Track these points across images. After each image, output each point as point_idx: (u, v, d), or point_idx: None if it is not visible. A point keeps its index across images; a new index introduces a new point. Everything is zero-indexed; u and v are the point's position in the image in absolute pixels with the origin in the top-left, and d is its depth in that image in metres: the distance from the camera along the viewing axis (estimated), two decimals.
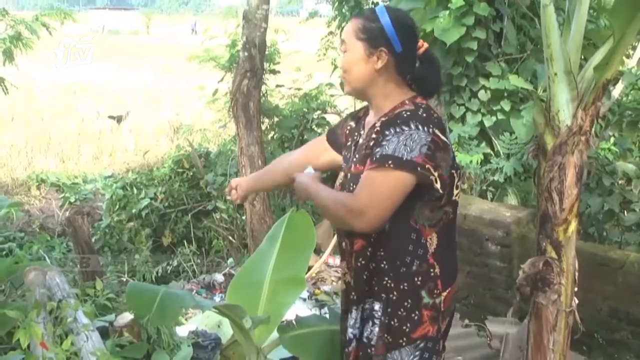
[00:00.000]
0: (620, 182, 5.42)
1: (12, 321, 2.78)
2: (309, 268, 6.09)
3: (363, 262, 2.38)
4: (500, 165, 5.96)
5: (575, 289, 2.53)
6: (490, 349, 4.64)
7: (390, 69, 2.32)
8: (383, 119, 2.31)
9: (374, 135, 2.29)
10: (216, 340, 4.43)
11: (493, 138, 6.19)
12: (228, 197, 3.10)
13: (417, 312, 2.30)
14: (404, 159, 2.13)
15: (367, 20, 2.32)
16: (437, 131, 2.20)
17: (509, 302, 3.51)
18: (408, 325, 2.30)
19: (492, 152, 6.20)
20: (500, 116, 6.12)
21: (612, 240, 5.29)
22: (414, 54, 2.34)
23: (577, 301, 2.54)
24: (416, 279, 2.29)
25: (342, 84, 7.54)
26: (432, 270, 2.30)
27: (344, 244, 2.47)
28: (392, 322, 2.32)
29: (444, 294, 2.33)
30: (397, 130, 2.18)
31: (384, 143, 2.19)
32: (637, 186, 5.33)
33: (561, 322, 2.51)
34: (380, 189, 2.16)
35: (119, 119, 15.28)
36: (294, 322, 3.42)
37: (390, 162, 2.14)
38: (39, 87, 19.33)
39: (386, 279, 2.32)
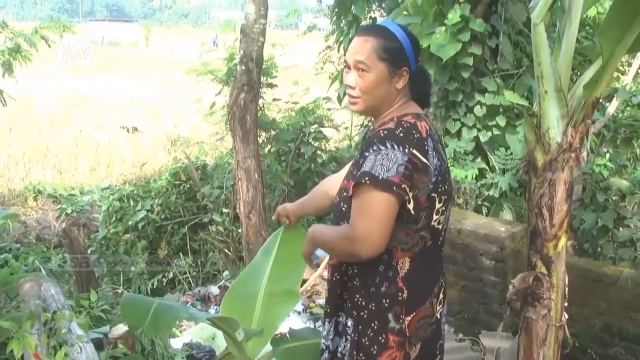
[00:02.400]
0: (614, 198, 5.44)
1: (5, 332, 2.80)
2: (304, 281, 6.10)
3: (337, 276, 2.41)
4: (496, 181, 5.99)
5: (566, 304, 2.55)
6: None
7: (406, 87, 2.34)
8: (370, 133, 2.34)
9: (359, 152, 2.32)
10: (210, 353, 4.44)
11: (488, 153, 6.23)
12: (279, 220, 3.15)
13: (383, 335, 2.30)
14: (380, 177, 2.13)
15: (387, 39, 2.29)
16: (415, 151, 2.19)
17: (503, 317, 3.53)
18: (375, 347, 2.30)
19: (487, 167, 6.23)
20: (495, 131, 6.16)
21: (606, 255, 5.31)
22: (420, 70, 2.38)
23: (567, 316, 2.55)
24: (384, 301, 2.29)
25: (339, 97, 7.66)
26: (400, 294, 2.29)
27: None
28: (363, 340, 2.32)
29: (408, 318, 2.30)
30: (374, 149, 2.19)
31: (363, 164, 2.20)
32: (631, 202, 5.36)
33: (551, 336, 2.52)
34: (371, 213, 2.16)
35: (132, 130, 15.35)
36: (287, 335, 3.43)
37: (366, 178, 2.15)
38: (38, 98, 19.38)
39: (357, 296, 2.34)
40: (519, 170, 2.58)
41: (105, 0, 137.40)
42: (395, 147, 2.17)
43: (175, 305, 3.08)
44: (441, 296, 2.45)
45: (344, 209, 2.35)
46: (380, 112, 2.37)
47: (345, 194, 2.33)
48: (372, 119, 2.46)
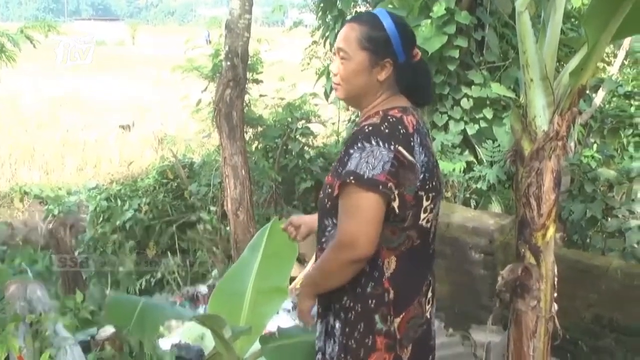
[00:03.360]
0: (602, 188, 5.45)
1: None
2: (293, 278, 6.08)
3: None
4: (484, 173, 5.98)
5: (555, 294, 2.52)
6: (475, 358, 4.63)
7: (390, 79, 2.26)
8: (356, 128, 2.26)
9: (343, 147, 2.24)
10: (199, 353, 4.39)
11: (476, 146, 6.22)
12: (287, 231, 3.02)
13: (370, 337, 2.24)
14: (365, 176, 2.08)
15: (372, 28, 2.23)
16: (400, 148, 2.12)
17: (492, 309, 3.51)
18: (363, 350, 2.24)
19: (475, 160, 6.23)
20: (483, 124, 6.16)
21: (595, 246, 5.32)
22: (411, 63, 2.29)
23: (556, 307, 2.53)
24: (370, 302, 2.23)
25: (326, 92, 7.62)
26: (386, 294, 2.23)
27: (317, 255, 2.43)
28: (350, 343, 2.26)
29: (397, 320, 2.25)
30: (359, 146, 2.13)
31: (348, 162, 2.14)
32: (619, 192, 5.36)
33: (541, 328, 2.49)
34: (357, 214, 2.11)
35: (128, 127, 15.34)
36: (276, 333, 3.40)
37: (351, 177, 2.10)
38: (24, 98, 19.28)
39: (345, 297, 2.28)
40: (507, 162, 2.55)
41: None
42: (381, 143, 2.11)
43: (161, 304, 3.06)
44: (429, 295, 2.39)
45: (327, 205, 2.29)
46: (363, 103, 2.31)
47: (329, 190, 2.26)
48: (358, 113, 2.40)
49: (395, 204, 2.13)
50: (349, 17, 2.49)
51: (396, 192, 2.11)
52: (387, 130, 2.14)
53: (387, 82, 2.26)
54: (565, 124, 2.36)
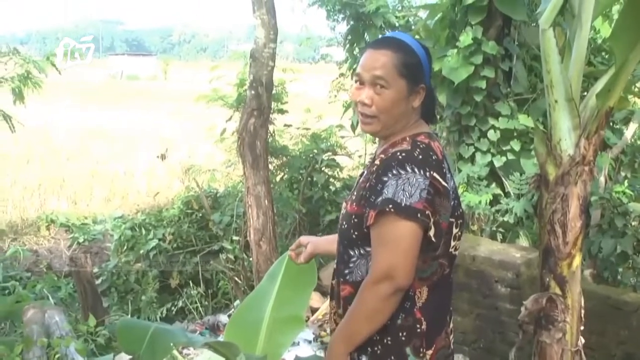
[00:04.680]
0: (633, 223, 5.31)
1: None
2: (315, 310, 6.00)
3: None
4: (510, 206, 5.87)
5: (582, 327, 2.41)
6: None
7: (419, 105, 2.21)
8: (382, 155, 2.17)
9: (372, 175, 2.15)
10: None
11: (503, 178, 6.12)
12: (291, 253, 2.92)
13: None
14: (403, 204, 2.00)
15: (406, 54, 2.15)
16: (435, 174, 2.06)
17: (521, 349, 3.39)
18: None
19: (502, 193, 6.12)
20: (510, 156, 6.06)
21: (627, 283, 5.17)
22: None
23: (583, 340, 2.42)
24: (400, 334, 2.13)
25: (353, 125, 7.59)
26: (418, 325, 2.14)
27: (333, 283, 2.35)
28: None
29: (429, 352, 2.16)
30: (394, 173, 2.05)
31: (383, 190, 2.05)
32: None
33: None
34: (395, 244, 2.02)
35: (163, 156, 15.47)
36: None
37: (390, 206, 2.01)
38: (56, 130, 19.57)
39: None
40: (534, 195, 2.46)
41: (125, 35, 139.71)
42: (416, 170, 2.03)
43: (172, 329, 2.98)
44: (451, 325, 2.32)
45: (354, 236, 2.19)
46: (393, 132, 2.21)
47: (355, 220, 2.18)
48: (378, 139, 2.34)
49: (432, 233, 2.06)
50: (370, 43, 2.38)
51: (432, 220, 2.05)
52: (420, 157, 2.08)
53: (417, 108, 2.20)
54: (592, 147, 2.28)
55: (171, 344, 2.73)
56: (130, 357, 3.75)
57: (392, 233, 2.03)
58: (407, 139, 2.15)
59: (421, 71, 2.16)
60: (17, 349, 2.66)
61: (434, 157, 2.10)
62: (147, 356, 2.68)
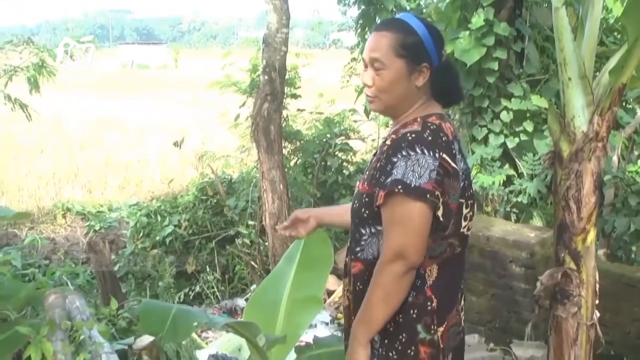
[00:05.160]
0: None
1: (23, 338, 2.77)
2: (332, 292, 6.05)
3: (361, 286, 2.27)
4: (524, 187, 5.88)
5: (597, 301, 2.44)
6: None
7: (426, 84, 2.21)
8: (393, 136, 2.20)
9: (383, 155, 2.19)
10: None
11: (516, 159, 6.13)
12: (282, 231, 2.85)
13: (412, 348, 2.18)
14: (412, 185, 2.03)
15: (405, 34, 2.17)
16: (445, 156, 2.09)
17: (536, 325, 3.42)
18: None
19: (515, 174, 6.13)
20: (523, 137, 6.06)
21: None
22: (442, 65, 2.23)
23: (598, 314, 2.45)
24: (412, 312, 2.17)
25: (366, 109, 7.61)
26: (429, 303, 2.18)
27: (347, 261, 2.38)
28: (390, 355, 2.20)
29: (441, 329, 2.20)
30: (404, 154, 2.08)
31: (393, 170, 2.09)
32: None
33: (582, 335, 2.42)
34: (405, 225, 2.06)
35: (179, 144, 15.53)
36: (312, 343, 3.38)
37: (399, 187, 2.04)
38: (68, 120, 19.66)
39: None
40: (547, 175, 2.49)
41: (135, 24, 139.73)
42: (426, 151, 2.06)
43: (194, 310, 3.04)
44: (462, 302, 2.36)
45: (365, 215, 2.23)
46: (401, 112, 2.25)
47: (366, 199, 2.21)
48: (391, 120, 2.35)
49: (440, 213, 2.08)
50: (375, 26, 2.40)
51: (441, 200, 2.07)
52: (430, 138, 2.10)
53: (424, 87, 2.21)
54: (606, 124, 2.30)
55: (193, 324, 2.79)
56: (152, 339, 3.82)
57: (402, 214, 2.06)
58: (418, 119, 2.18)
59: (423, 50, 2.17)
60: (43, 330, 2.71)
61: (444, 139, 2.12)
62: (169, 336, 2.74)
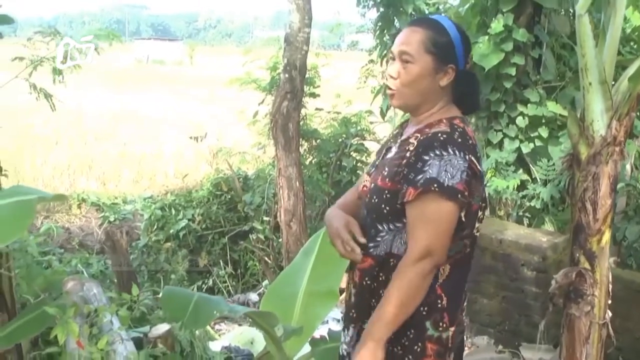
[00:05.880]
0: None
1: (50, 319, 2.85)
2: (343, 290, 6.09)
3: (368, 281, 2.28)
4: (537, 192, 5.93)
5: (609, 301, 2.50)
6: None
7: (450, 86, 2.23)
8: (418, 135, 2.22)
9: (408, 154, 2.18)
10: (249, 356, 4.45)
11: (530, 164, 6.17)
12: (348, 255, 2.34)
13: (420, 344, 2.20)
14: (446, 184, 2.06)
15: (437, 32, 2.20)
16: (472, 158, 2.12)
17: (547, 328, 3.46)
18: (410, 357, 2.21)
19: (529, 179, 6.18)
20: (538, 143, 6.11)
21: None
22: (467, 71, 2.27)
23: (610, 314, 2.51)
24: (421, 309, 2.18)
25: (382, 111, 7.66)
26: (439, 301, 2.20)
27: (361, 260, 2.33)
28: (395, 350, 2.21)
29: (452, 328, 2.23)
30: (437, 153, 2.10)
31: (425, 168, 2.10)
32: None
33: (594, 334, 2.48)
34: (436, 224, 2.09)
35: (199, 139, 15.65)
36: (326, 336, 3.43)
37: (435, 185, 2.06)
38: (84, 112, 19.78)
39: None
40: (560, 182, 2.55)
41: (150, 20, 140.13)
42: (457, 152, 2.09)
43: (215, 299, 3.11)
44: (465, 303, 2.39)
45: (385, 211, 2.22)
46: (420, 111, 2.27)
47: (387, 195, 2.21)
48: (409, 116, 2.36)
49: (462, 213, 2.12)
50: (409, 21, 2.43)
51: (467, 201, 2.11)
52: (459, 140, 2.13)
53: (447, 89, 2.23)
54: (623, 129, 2.36)
55: (214, 312, 2.86)
56: (167, 328, 3.90)
57: (435, 212, 2.08)
58: (444, 121, 2.20)
59: (452, 51, 2.20)
60: (69, 311, 2.79)
61: (470, 142, 2.16)
62: (191, 323, 2.82)
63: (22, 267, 3.96)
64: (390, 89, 2.27)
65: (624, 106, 2.37)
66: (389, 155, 2.33)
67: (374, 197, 2.27)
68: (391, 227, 2.22)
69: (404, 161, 2.19)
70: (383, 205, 2.23)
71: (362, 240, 2.28)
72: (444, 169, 2.07)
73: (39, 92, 5.36)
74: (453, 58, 2.20)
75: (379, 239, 2.26)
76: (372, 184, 2.31)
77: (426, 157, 2.11)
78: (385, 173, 2.26)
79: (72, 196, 10.58)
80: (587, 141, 2.43)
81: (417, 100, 2.25)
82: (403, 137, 2.32)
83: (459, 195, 2.06)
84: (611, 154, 2.37)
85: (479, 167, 2.15)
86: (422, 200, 2.09)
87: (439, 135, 2.14)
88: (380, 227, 2.25)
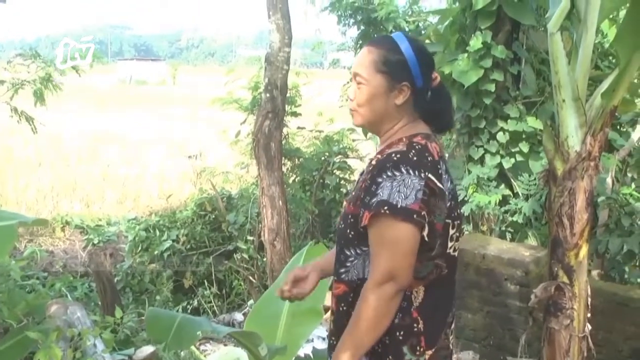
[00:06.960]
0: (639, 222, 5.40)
1: (32, 343, 2.84)
2: (328, 308, 6.10)
3: (344, 307, 2.23)
4: (519, 206, 5.96)
5: (589, 315, 2.53)
6: None
7: (408, 104, 2.18)
8: (379, 156, 2.18)
9: (368, 175, 2.15)
10: None
11: (512, 179, 6.22)
12: (287, 295, 2.54)
13: None
14: (399, 206, 2.00)
15: (389, 51, 2.16)
16: (430, 176, 2.06)
17: (530, 343, 3.48)
18: None
19: (511, 194, 6.22)
20: (519, 158, 6.16)
21: (634, 282, 5.26)
22: (430, 88, 2.21)
23: (589, 327, 2.53)
24: (398, 333, 2.14)
25: (364, 130, 7.68)
26: (415, 325, 2.15)
27: (333, 286, 2.31)
28: None
29: (429, 352, 2.17)
30: (389, 175, 2.05)
31: (378, 191, 2.06)
32: None
33: (574, 347, 2.50)
34: (393, 246, 2.04)
35: (195, 157, 15.62)
36: (310, 354, 3.44)
37: (385, 208, 2.02)
38: (66, 134, 19.69)
39: None
40: (541, 191, 2.59)
41: (133, 40, 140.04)
42: (411, 172, 2.04)
43: (198, 319, 3.10)
44: (453, 326, 2.33)
45: (350, 235, 2.20)
46: (382, 129, 2.24)
47: (351, 220, 2.19)
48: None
49: (425, 233, 2.06)
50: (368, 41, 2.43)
51: (427, 220, 2.05)
52: (415, 158, 2.08)
53: (405, 107, 2.20)
54: (598, 144, 2.40)
55: (197, 333, 2.86)
56: (152, 350, 3.89)
57: (390, 235, 2.04)
58: (404, 139, 2.16)
59: (405, 70, 2.16)
60: (52, 335, 2.78)
61: (429, 158, 2.10)
62: (174, 344, 2.81)
63: (4, 291, 3.94)
64: (350, 109, 2.26)
65: (598, 121, 2.40)
66: (361, 178, 2.31)
67: (341, 222, 2.28)
68: (358, 251, 2.19)
69: (364, 184, 2.17)
70: (348, 230, 2.22)
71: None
72: (396, 190, 2.03)
73: (20, 115, 5.36)
74: (408, 75, 2.17)
75: (348, 264, 2.23)
76: (343, 210, 2.32)
77: (379, 179, 2.08)
78: (350, 197, 2.28)
79: (56, 219, 10.54)
80: (563, 157, 2.46)
81: (375, 119, 2.23)
82: (371, 160, 2.30)
83: (414, 216, 2.01)
84: (586, 169, 2.41)
85: (439, 184, 2.09)
86: (377, 223, 2.06)
87: (393, 155, 2.10)
88: (348, 252, 2.23)
